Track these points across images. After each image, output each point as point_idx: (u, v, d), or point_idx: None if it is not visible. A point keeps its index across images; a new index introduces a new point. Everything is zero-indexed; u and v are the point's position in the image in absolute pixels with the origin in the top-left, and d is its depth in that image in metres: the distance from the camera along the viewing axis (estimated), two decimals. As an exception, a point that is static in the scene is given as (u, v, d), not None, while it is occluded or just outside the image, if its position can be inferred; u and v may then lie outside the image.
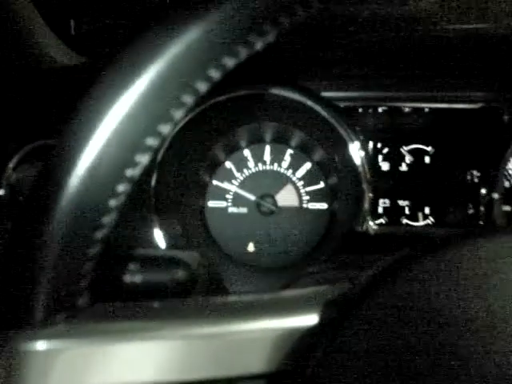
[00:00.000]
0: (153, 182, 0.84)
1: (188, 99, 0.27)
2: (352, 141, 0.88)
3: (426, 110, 0.91)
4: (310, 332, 0.28)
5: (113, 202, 0.27)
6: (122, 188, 0.27)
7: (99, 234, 0.27)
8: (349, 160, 0.86)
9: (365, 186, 0.88)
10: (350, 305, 0.26)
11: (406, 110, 0.91)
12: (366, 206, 0.89)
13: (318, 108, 0.83)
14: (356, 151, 0.88)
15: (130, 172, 0.27)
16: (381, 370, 0.24)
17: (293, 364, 0.28)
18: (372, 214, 0.89)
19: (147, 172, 0.81)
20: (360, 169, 0.88)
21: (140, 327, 0.28)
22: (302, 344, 0.28)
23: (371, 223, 0.92)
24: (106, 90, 0.26)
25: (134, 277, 0.51)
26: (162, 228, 0.87)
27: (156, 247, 0.85)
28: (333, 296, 0.29)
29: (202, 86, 0.27)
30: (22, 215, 0.26)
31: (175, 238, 0.87)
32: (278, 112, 0.90)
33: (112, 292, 0.47)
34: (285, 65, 0.82)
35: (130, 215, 0.80)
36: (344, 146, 0.86)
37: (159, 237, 0.87)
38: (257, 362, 0.28)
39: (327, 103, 0.84)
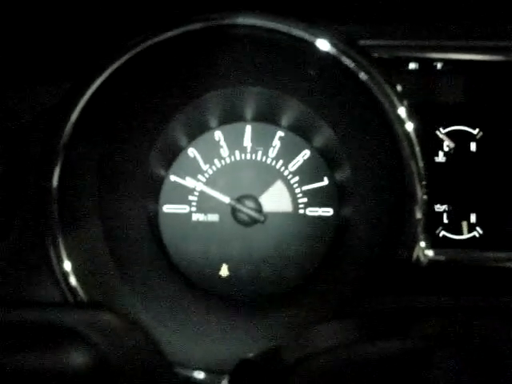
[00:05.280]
0: (55, 181, 0.66)
1: None
2: (394, 107, 0.65)
3: (468, 70, 0.79)
4: None
5: None
6: None
7: None
8: (386, 139, 0.65)
9: (416, 181, 0.65)
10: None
11: (443, 67, 0.79)
12: (418, 216, 0.65)
13: (339, 55, 0.65)
14: (401, 123, 0.66)
15: None
16: None
17: None
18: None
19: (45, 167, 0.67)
20: (407, 153, 0.65)
21: None
22: None
23: (424, 247, 0.68)
24: None
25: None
26: (69, 254, 0.67)
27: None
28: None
29: None
30: None
31: (88, 273, 0.68)
32: (267, 66, 0.73)
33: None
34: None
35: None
36: (380, 116, 0.65)
37: (63, 271, 0.67)
38: None
39: (355, 46, 0.65)
